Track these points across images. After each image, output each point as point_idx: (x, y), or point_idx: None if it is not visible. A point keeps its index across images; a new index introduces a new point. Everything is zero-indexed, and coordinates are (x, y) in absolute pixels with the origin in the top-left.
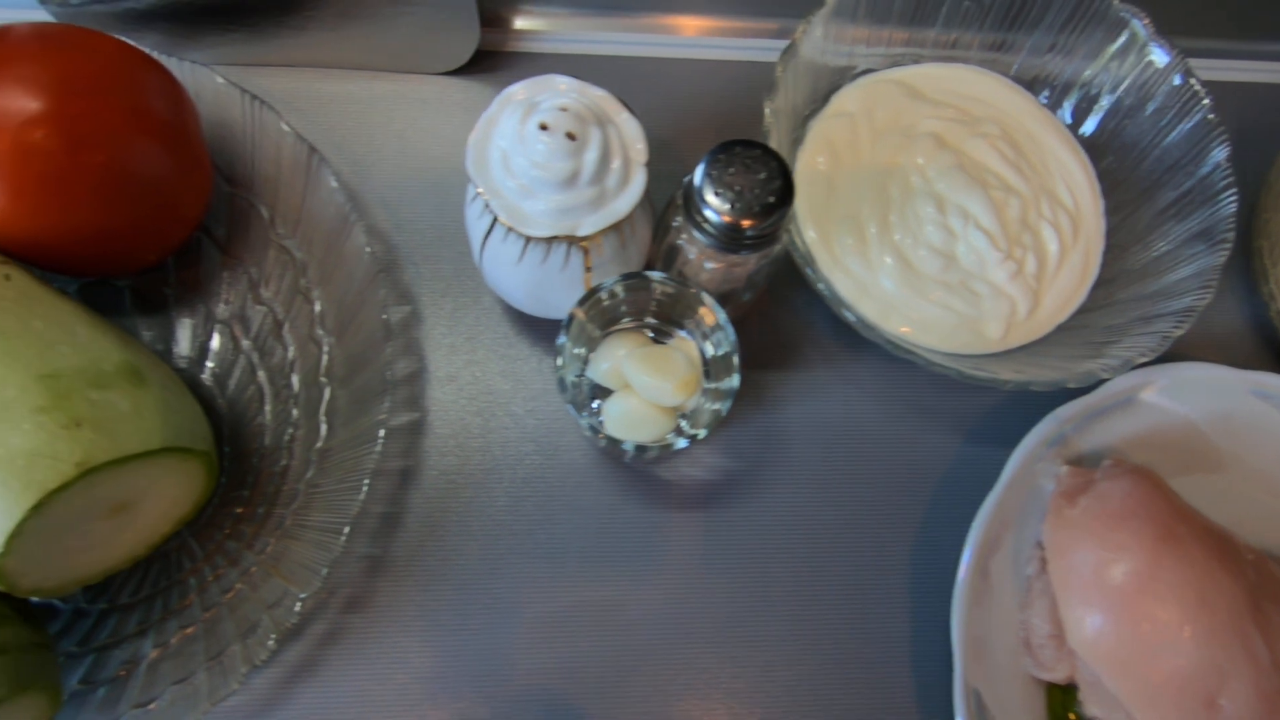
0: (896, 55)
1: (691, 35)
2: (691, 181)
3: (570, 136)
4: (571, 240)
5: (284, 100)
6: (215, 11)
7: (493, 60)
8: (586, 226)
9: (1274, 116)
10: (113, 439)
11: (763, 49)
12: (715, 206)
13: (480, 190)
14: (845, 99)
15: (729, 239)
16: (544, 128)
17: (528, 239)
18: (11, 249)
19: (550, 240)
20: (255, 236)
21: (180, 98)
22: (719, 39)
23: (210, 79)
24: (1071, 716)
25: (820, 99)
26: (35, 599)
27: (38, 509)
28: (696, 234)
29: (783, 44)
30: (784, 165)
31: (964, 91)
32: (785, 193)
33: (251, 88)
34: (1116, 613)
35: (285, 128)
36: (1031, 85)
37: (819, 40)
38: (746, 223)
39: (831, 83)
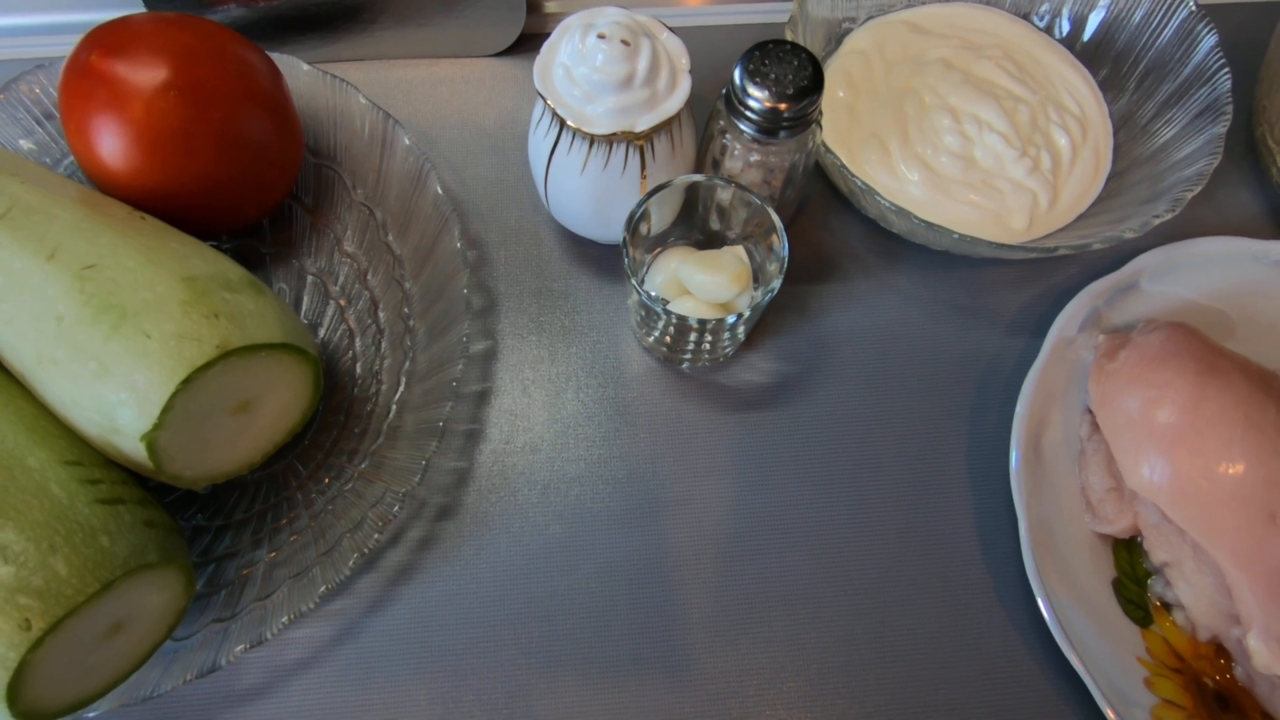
0: (896, 3)
1: (708, 4)
2: (732, 80)
3: (625, 43)
4: (630, 138)
5: (357, 88)
6: (298, 17)
7: (533, 41)
8: (643, 124)
9: (1261, 31)
10: (243, 330)
11: (775, 10)
12: (755, 95)
13: (548, 102)
14: (856, 39)
15: (769, 122)
16: (601, 37)
17: (592, 139)
18: (143, 203)
19: (611, 140)
20: (339, 200)
21: (277, 74)
22: (736, 5)
23: (298, 66)
24: (1140, 570)
25: (834, 43)
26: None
27: (186, 383)
28: (740, 124)
29: (790, 5)
30: (812, 56)
31: (965, 25)
32: (816, 78)
33: None
34: (1170, 446)
35: (363, 100)
36: (1026, 18)
37: None
38: (784, 106)
39: (842, 30)
